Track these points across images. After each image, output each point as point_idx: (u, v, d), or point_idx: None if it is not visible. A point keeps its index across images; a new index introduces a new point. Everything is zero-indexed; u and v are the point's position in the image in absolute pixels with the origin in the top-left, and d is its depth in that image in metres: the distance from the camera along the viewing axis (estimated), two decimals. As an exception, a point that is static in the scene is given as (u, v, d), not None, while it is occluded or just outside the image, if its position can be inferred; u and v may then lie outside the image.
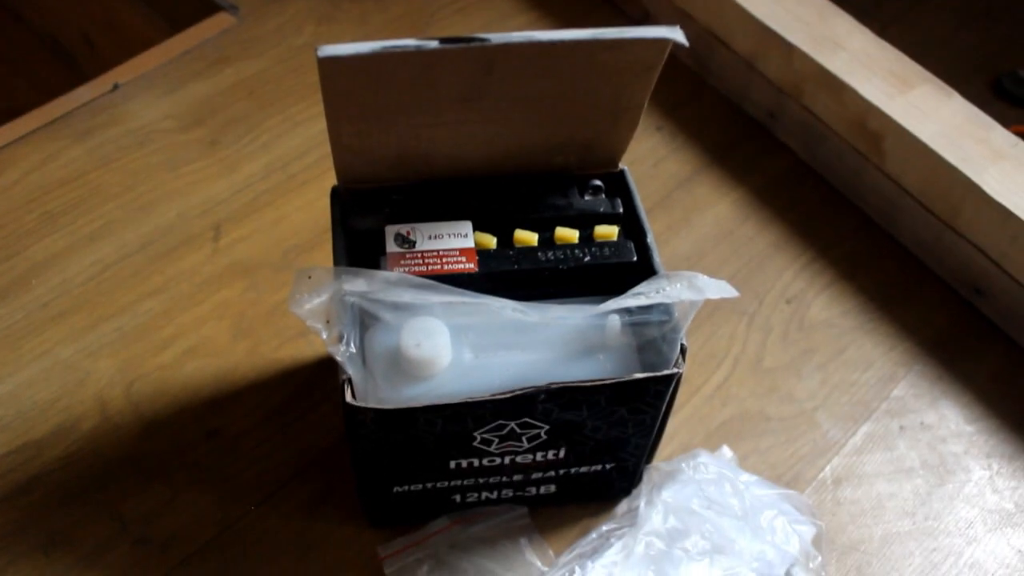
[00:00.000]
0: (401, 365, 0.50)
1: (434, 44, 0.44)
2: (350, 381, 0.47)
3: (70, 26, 1.15)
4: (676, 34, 0.47)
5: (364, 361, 0.50)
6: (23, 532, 0.59)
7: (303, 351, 0.67)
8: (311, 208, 0.75)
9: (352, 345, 0.48)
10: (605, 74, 0.49)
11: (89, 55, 1.13)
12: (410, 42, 0.44)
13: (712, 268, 0.74)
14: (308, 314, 0.47)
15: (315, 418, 0.64)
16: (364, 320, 0.51)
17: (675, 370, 0.49)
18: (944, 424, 0.67)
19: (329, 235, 0.53)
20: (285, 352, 0.67)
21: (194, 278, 0.70)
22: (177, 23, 0.88)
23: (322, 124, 0.49)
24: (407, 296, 0.48)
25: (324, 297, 0.47)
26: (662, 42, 0.48)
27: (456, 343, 0.50)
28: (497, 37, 0.45)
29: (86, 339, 0.67)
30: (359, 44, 0.43)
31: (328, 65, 0.44)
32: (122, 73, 0.82)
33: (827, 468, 0.64)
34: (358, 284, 0.47)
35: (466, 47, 0.44)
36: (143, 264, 0.71)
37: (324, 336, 0.47)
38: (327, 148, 0.51)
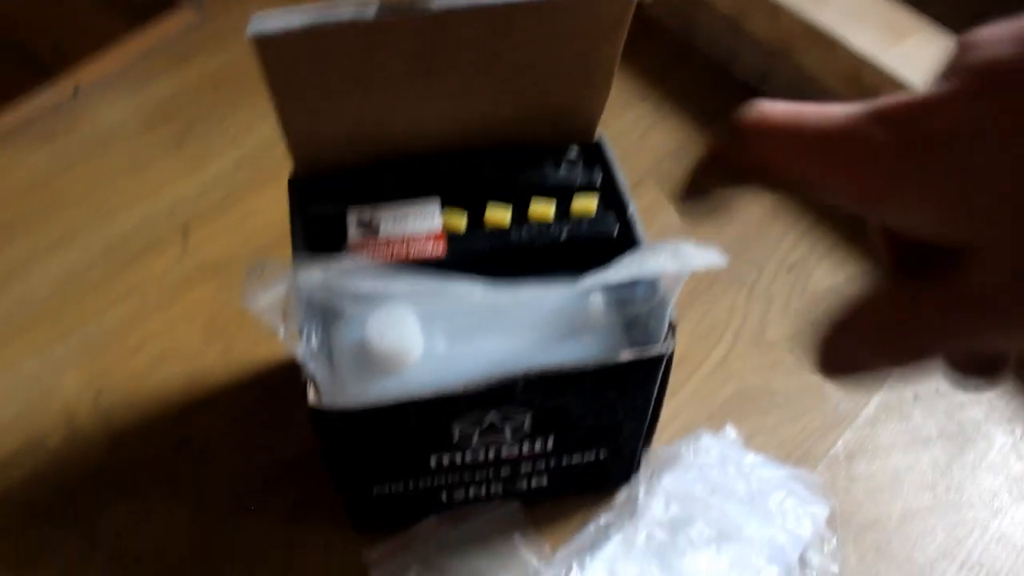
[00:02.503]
0: (369, 359, 0.46)
1: (371, 12, 0.40)
2: (313, 381, 0.44)
3: (39, 33, 1.12)
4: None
5: (330, 358, 0.47)
6: (-9, 556, 0.56)
7: (278, 351, 0.63)
8: (283, 202, 0.71)
9: (313, 341, 0.44)
10: (568, 36, 0.45)
11: (59, 62, 1.10)
12: (346, 12, 0.40)
13: (707, 239, 0.70)
14: (264, 310, 0.43)
15: (292, 421, 0.60)
16: (327, 314, 0.47)
17: (663, 349, 0.45)
18: (961, 390, 0.63)
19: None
20: (260, 353, 0.63)
21: (163, 282, 0.67)
22: (140, 23, 0.85)
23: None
24: (368, 285, 0.44)
25: (279, 290, 0.43)
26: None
27: (427, 332, 0.47)
28: (441, 3, 0.41)
29: (51, 351, 0.64)
30: (291, 14, 0.40)
31: (263, 44, 0.41)
32: (83, 76, 0.79)
33: (839, 443, 0.61)
34: (315, 275, 0.44)
35: (407, 16, 0.41)
36: (109, 271, 0.68)
37: (281, 333, 0.43)
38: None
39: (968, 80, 0.26)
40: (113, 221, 0.70)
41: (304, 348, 0.44)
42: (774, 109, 0.30)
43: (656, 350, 0.45)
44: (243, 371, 0.63)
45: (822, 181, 0.28)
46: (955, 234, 0.26)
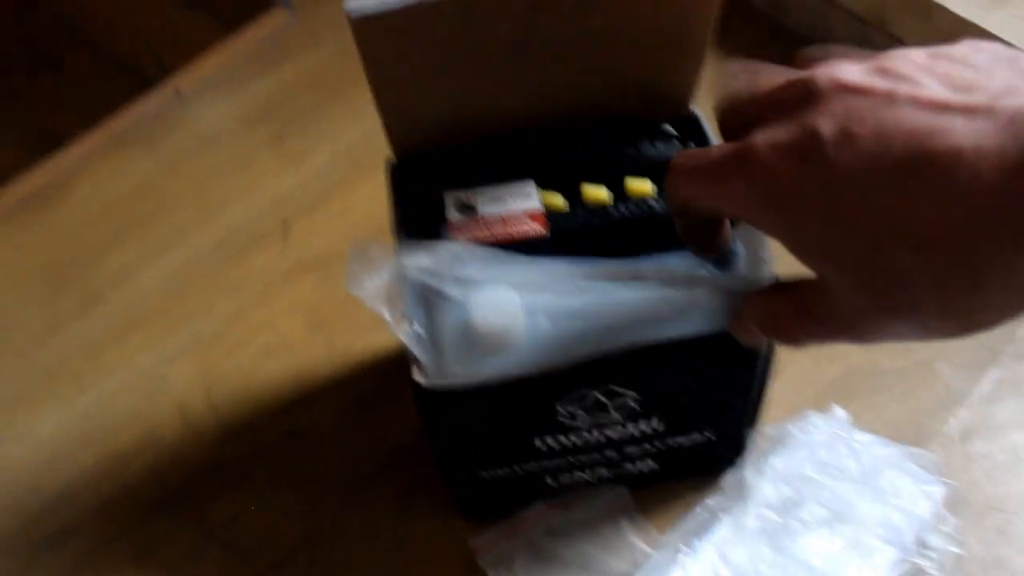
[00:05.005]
0: (473, 342, 0.46)
1: (470, -13, 0.41)
2: (419, 362, 0.44)
3: (138, 45, 1.15)
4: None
5: (434, 341, 0.47)
6: (112, 544, 0.58)
7: (380, 341, 0.64)
8: (380, 195, 0.71)
9: (418, 324, 0.45)
10: (661, 4, 0.44)
11: (161, 74, 1.13)
12: (444, -11, 0.41)
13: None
14: (369, 295, 0.44)
15: (397, 410, 0.61)
16: (430, 298, 0.47)
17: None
18: (1083, 363, 0.60)
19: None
20: (363, 344, 0.64)
21: (266, 276, 0.69)
22: (236, 27, 0.87)
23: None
24: (472, 268, 0.44)
25: (384, 275, 0.44)
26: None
27: (530, 312, 0.47)
28: (538, -27, 0.41)
29: (164, 346, 0.66)
30: (389, -4, 0.40)
31: (361, 24, 0.41)
32: (183, 80, 0.81)
33: (952, 421, 0.59)
34: (419, 258, 0.44)
35: (505, -12, 0.41)
36: (215, 267, 0.70)
37: (387, 317, 0.44)
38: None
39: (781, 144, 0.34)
40: (217, 219, 0.72)
41: (409, 331, 0.44)
42: (682, 155, 0.39)
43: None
44: (346, 362, 0.64)
45: (709, 206, 0.38)
46: (806, 263, 0.35)
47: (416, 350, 0.44)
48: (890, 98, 0.32)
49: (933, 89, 0.31)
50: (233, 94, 0.80)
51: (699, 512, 0.55)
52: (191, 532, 0.58)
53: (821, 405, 0.59)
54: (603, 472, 0.54)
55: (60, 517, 0.59)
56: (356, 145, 0.75)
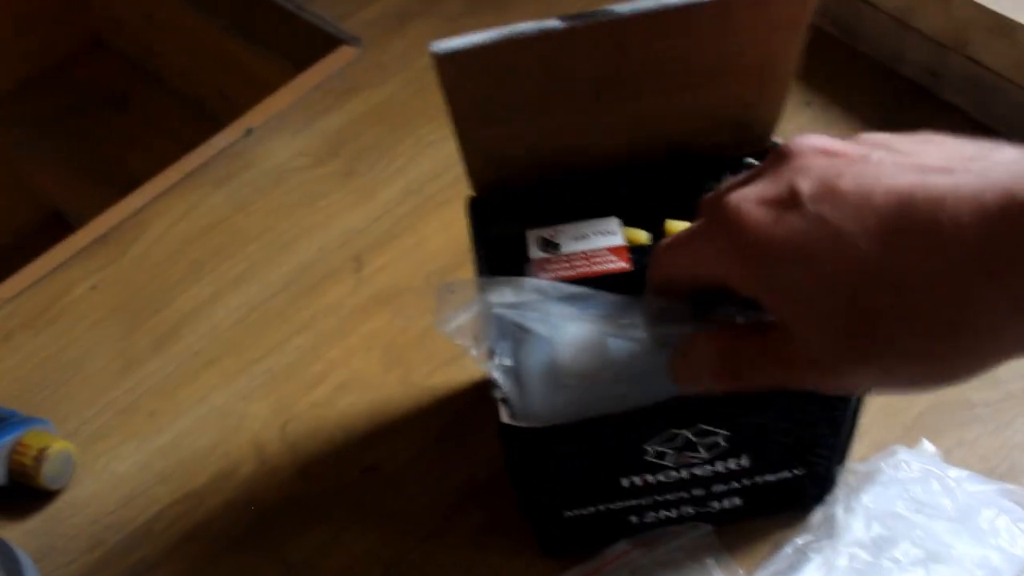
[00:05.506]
0: (559, 379, 0.46)
1: (556, 24, 0.40)
2: (506, 400, 0.43)
3: (206, 83, 1.17)
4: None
5: (519, 377, 0.46)
6: (191, 582, 0.58)
7: (456, 376, 0.64)
8: (450, 228, 0.72)
9: (504, 360, 0.44)
10: (746, 36, 0.44)
11: (225, 109, 1.15)
12: (530, 25, 0.40)
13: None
14: (456, 332, 0.44)
15: (475, 446, 0.61)
16: (515, 334, 0.47)
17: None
18: None
19: (471, 253, 0.50)
20: (438, 379, 0.64)
21: (340, 311, 0.69)
22: (304, 64, 0.88)
23: (454, 144, 0.46)
24: (557, 306, 0.44)
25: (470, 312, 0.44)
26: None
27: (616, 344, 0.46)
28: (625, 8, 0.41)
29: (238, 383, 0.66)
30: (475, 35, 0.40)
31: (446, 63, 0.41)
32: (254, 117, 0.82)
33: (1049, 456, 0.57)
34: (504, 295, 0.44)
35: (593, 22, 0.40)
36: (288, 302, 0.70)
37: (473, 353, 0.44)
38: (460, 168, 0.49)
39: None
40: (289, 254, 0.73)
41: (496, 368, 0.44)
42: (659, 245, 0.42)
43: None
44: (422, 398, 0.63)
45: (688, 275, 0.40)
46: (778, 312, 0.36)
47: (503, 386, 0.43)
48: (865, 160, 0.34)
49: (907, 152, 0.34)
50: (303, 130, 0.81)
51: (787, 551, 0.53)
52: (272, 567, 0.58)
53: (909, 440, 0.57)
54: (687, 510, 0.52)
55: (137, 554, 0.60)
56: (426, 179, 0.75)
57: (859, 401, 0.47)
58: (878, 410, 0.59)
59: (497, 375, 0.43)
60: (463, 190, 0.51)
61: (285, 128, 0.81)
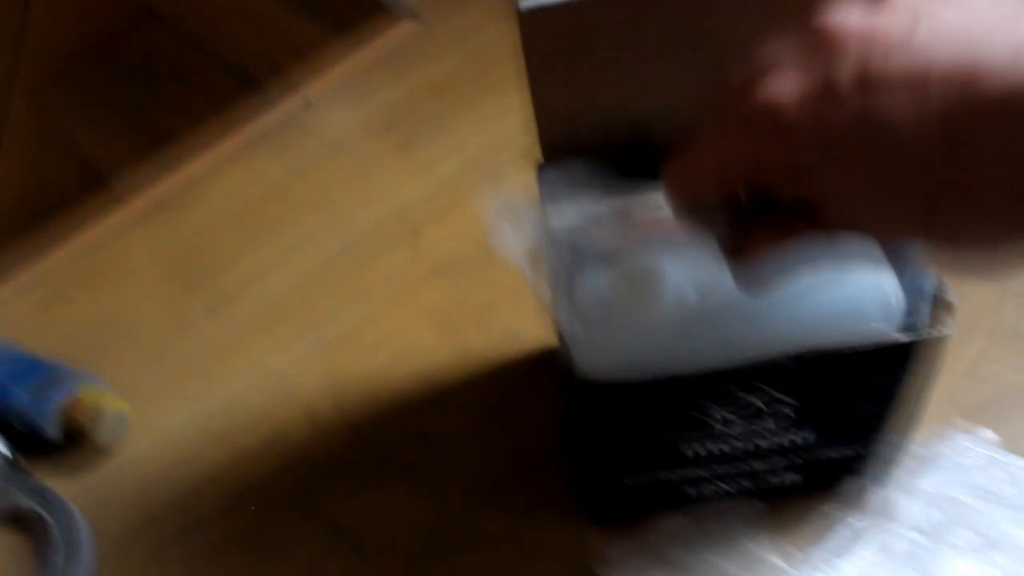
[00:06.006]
0: (615, 314, 0.45)
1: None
2: (564, 343, 0.43)
3: (259, 55, 1.18)
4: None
5: (575, 306, 0.46)
6: (241, 541, 0.58)
7: (512, 349, 0.64)
8: (508, 205, 0.72)
9: (562, 289, 0.43)
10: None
11: (276, 80, 1.16)
12: (616, -17, 0.40)
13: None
14: (511, 251, 0.43)
15: (527, 418, 0.61)
16: (573, 263, 0.46)
17: (945, 330, 0.42)
18: None
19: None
20: (493, 352, 0.64)
21: (396, 282, 0.69)
22: (363, 38, 0.89)
23: (514, 120, 0.46)
24: (618, 235, 0.43)
25: (528, 233, 0.43)
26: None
27: (676, 282, 0.45)
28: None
29: (293, 349, 0.66)
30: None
31: (530, 19, 0.41)
32: (314, 89, 0.83)
33: (1111, 449, 0.56)
34: (568, 217, 0.43)
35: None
36: (345, 271, 0.70)
37: (528, 277, 0.43)
38: (520, 143, 0.48)
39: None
40: (346, 224, 0.73)
41: (553, 297, 0.43)
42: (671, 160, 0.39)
43: (937, 331, 0.43)
44: (477, 369, 0.63)
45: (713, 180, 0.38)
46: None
47: (556, 314, 0.43)
48: (910, 36, 0.31)
49: (950, 21, 0.31)
50: (361, 103, 0.81)
51: (841, 531, 0.53)
52: (319, 531, 0.58)
53: (969, 427, 0.56)
54: (744, 484, 0.52)
55: (188, 512, 0.60)
56: (484, 153, 0.75)
57: (926, 380, 0.46)
58: (937, 395, 0.58)
59: (553, 305, 0.42)
60: (523, 167, 0.51)
61: (344, 100, 0.82)
